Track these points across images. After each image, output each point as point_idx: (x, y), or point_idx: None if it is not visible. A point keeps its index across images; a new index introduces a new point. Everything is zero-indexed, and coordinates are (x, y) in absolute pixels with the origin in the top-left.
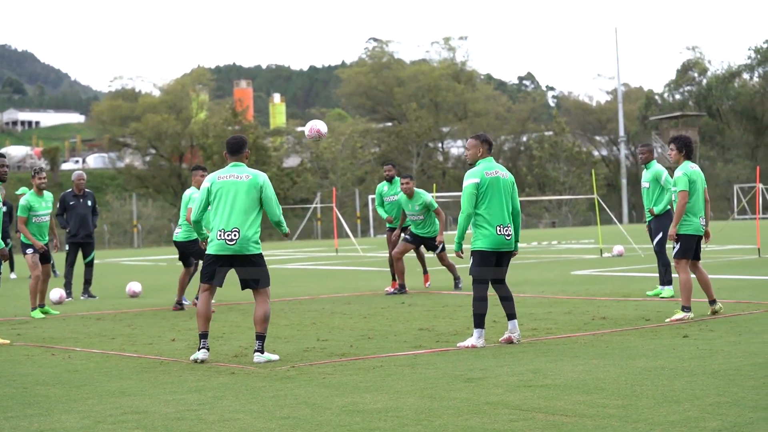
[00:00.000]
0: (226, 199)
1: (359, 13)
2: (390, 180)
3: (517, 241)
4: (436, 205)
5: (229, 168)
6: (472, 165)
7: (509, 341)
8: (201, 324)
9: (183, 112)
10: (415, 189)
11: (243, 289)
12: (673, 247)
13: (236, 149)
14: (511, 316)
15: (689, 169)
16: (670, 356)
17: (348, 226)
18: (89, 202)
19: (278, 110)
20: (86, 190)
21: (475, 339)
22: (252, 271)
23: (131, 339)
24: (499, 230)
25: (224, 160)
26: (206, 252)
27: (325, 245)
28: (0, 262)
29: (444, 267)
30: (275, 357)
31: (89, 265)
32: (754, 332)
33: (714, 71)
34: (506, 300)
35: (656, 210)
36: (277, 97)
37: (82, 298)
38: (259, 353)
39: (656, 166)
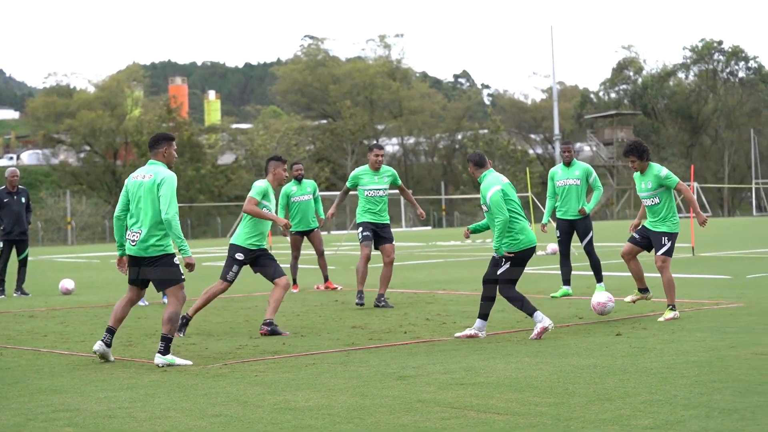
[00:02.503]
0: (134, 200)
1: (295, 10)
2: (299, 180)
3: None
4: (400, 182)
5: (142, 168)
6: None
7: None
8: (110, 319)
9: (117, 109)
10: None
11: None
12: (663, 244)
13: (151, 145)
14: (486, 316)
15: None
16: (603, 354)
17: None
18: (23, 199)
19: (213, 107)
20: (20, 186)
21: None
22: (153, 272)
23: (63, 336)
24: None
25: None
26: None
27: None
28: None
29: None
30: (182, 361)
31: (23, 263)
32: (686, 330)
33: (649, 70)
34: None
35: (588, 209)
36: (212, 94)
37: (14, 295)
38: (159, 354)
39: (583, 164)
